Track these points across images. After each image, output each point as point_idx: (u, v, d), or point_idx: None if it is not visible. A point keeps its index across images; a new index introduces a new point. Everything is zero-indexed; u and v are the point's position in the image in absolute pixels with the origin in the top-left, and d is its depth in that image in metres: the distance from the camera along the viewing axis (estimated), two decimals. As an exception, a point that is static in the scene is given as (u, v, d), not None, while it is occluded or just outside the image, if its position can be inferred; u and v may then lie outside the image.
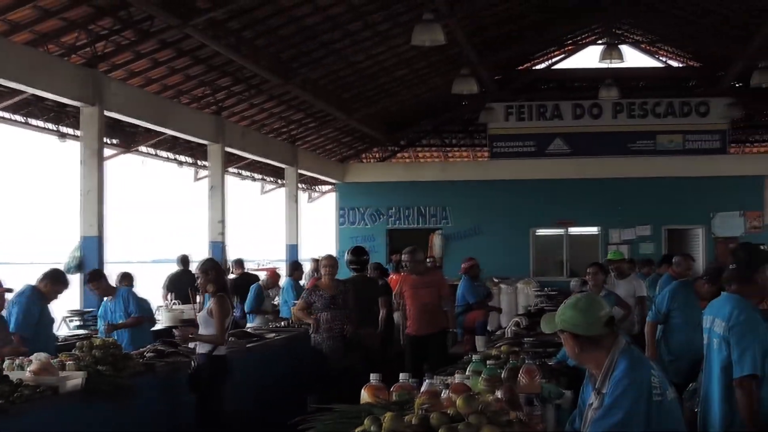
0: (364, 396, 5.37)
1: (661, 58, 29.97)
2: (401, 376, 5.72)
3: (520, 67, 30.12)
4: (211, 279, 10.22)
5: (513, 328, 12.84)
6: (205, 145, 21.62)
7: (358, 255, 14.15)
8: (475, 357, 7.01)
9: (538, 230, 30.35)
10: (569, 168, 29.09)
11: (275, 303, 17.50)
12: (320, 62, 20.88)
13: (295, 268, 18.22)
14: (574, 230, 30.45)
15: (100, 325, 12.17)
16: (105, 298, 12.26)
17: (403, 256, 13.44)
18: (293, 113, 24.47)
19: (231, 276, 20.34)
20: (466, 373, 6.48)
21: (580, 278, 18.13)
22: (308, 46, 19.87)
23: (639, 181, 28.81)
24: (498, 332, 14.06)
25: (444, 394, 5.15)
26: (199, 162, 24.73)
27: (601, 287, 12.50)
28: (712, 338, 6.46)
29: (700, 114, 28.81)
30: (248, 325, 15.81)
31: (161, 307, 16.66)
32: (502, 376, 6.40)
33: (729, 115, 27.41)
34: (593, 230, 30.10)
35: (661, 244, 28.95)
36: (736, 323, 6.20)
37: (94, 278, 12.37)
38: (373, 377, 5.58)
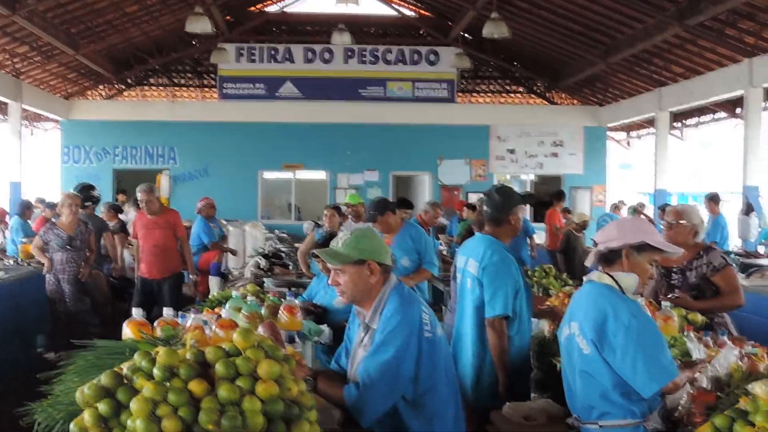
0: (127, 332, 5.14)
1: (394, 5, 30.28)
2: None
3: (253, 8, 29.85)
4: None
5: (252, 269, 12.75)
6: None
7: (83, 192, 13.69)
8: (234, 294, 6.87)
9: (266, 173, 30.29)
10: (299, 112, 29.13)
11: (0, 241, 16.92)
12: (49, -7, 20.02)
13: (26, 207, 17.51)
14: (302, 174, 30.52)
15: None
16: None
17: (137, 194, 12.99)
18: (18, 46, 23.34)
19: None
20: (226, 308, 6.33)
21: (312, 221, 18.11)
22: (37, -25, 19.05)
23: (368, 127, 29.18)
24: (236, 273, 13.92)
25: (208, 330, 4.98)
26: None
27: (338, 230, 12.47)
28: (465, 278, 6.56)
29: (429, 63, 29.43)
30: (-28, 263, 15.12)
31: None
32: (263, 312, 6.30)
33: (457, 65, 28.05)
34: (321, 174, 30.25)
35: (389, 189, 29.47)
36: (489, 264, 6.33)
37: None
38: (135, 311, 5.35)
